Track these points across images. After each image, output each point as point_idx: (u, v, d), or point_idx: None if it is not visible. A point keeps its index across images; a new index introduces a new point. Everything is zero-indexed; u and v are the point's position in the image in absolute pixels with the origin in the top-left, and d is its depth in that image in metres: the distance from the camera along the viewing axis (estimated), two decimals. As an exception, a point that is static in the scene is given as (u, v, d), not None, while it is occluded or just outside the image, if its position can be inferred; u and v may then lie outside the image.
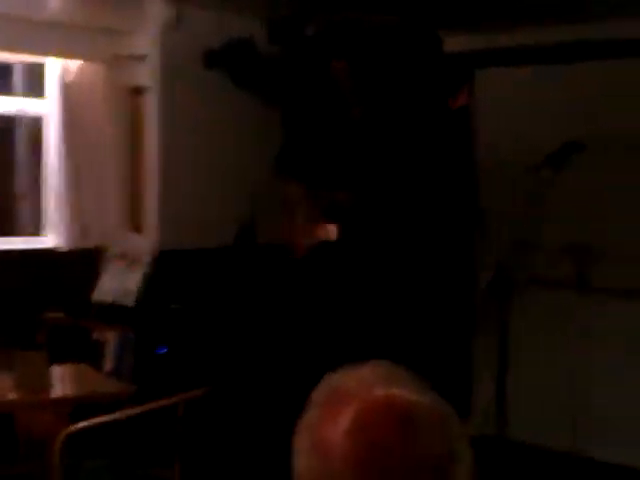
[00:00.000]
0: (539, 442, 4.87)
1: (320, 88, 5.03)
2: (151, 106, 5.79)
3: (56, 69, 6.59)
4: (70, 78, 6.62)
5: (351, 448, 1.06)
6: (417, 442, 1.07)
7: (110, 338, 5.79)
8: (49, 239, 6.65)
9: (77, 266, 6.43)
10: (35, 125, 6.78)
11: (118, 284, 5.53)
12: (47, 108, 6.65)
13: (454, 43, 5.68)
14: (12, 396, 3.91)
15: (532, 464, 4.79)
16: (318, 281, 4.75)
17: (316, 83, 5.41)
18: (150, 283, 5.44)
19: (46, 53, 6.55)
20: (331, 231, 4.59)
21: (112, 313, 5.44)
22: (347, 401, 1.11)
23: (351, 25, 5.48)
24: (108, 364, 5.53)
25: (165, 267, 5.54)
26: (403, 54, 5.62)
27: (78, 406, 4.06)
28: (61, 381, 4.26)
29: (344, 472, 1.06)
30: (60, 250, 6.56)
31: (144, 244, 5.70)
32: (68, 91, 6.61)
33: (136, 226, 6.61)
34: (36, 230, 6.78)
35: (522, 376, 4.74)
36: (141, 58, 6.17)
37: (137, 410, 3.86)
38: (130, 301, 5.44)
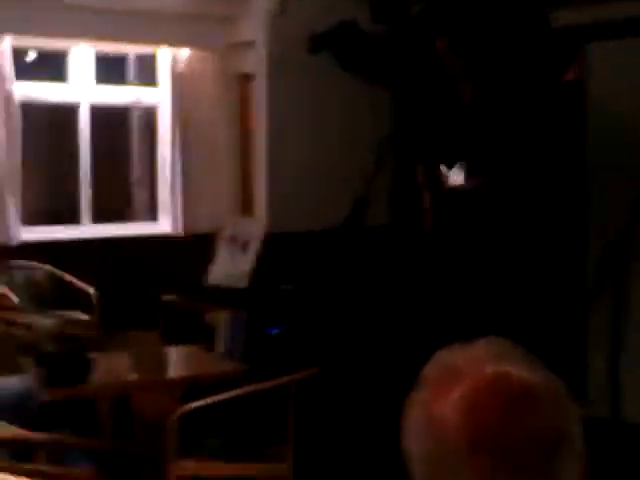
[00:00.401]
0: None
1: (428, 67, 4.98)
2: (259, 92, 5.86)
3: (167, 59, 6.74)
4: (181, 67, 6.76)
5: (463, 426, 1.06)
6: (529, 420, 1.06)
7: (223, 320, 5.90)
8: (163, 225, 6.82)
9: (191, 250, 6.58)
10: (148, 114, 6.94)
11: (230, 267, 5.64)
12: (159, 97, 6.80)
13: (562, 18, 5.54)
14: (129, 377, 4.03)
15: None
16: (439, 259, 4.72)
17: (424, 62, 5.36)
18: (261, 265, 5.52)
19: (157, 43, 6.70)
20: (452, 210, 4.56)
21: (225, 295, 5.55)
22: (458, 379, 1.10)
23: (457, 2, 5.40)
24: (221, 345, 5.65)
25: (275, 249, 5.61)
26: (510, 31, 5.52)
27: (192, 387, 4.15)
28: (175, 362, 4.36)
29: (457, 450, 1.06)
30: (174, 235, 6.72)
31: (255, 227, 5.78)
32: (179, 80, 6.75)
33: (247, 210, 6.71)
34: (151, 216, 6.96)
35: (637, 356, 4.62)
36: (249, 45, 6.25)
37: (250, 389, 3.93)
38: (242, 283, 5.53)
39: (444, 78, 4.71)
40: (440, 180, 4.66)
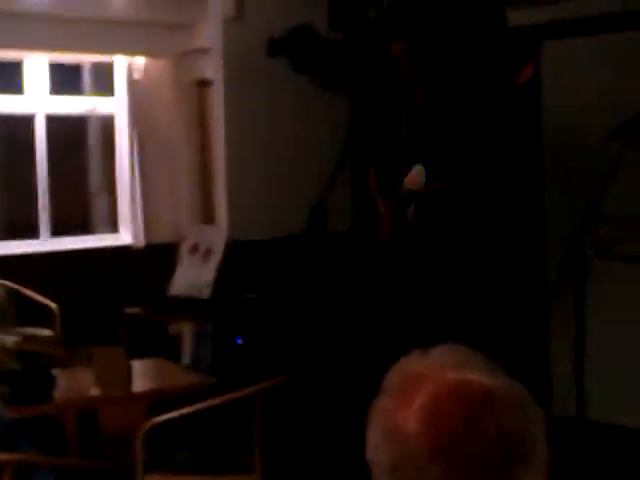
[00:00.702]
0: (620, 422, 4.77)
1: (384, 71, 4.98)
2: (217, 98, 5.82)
3: (123, 67, 6.69)
4: (137, 75, 6.71)
5: (424, 433, 1.06)
6: (489, 425, 1.05)
7: (187, 331, 5.86)
8: (124, 236, 6.77)
9: (152, 261, 6.53)
10: (106, 123, 6.89)
11: (193, 277, 5.59)
12: (116, 106, 6.75)
13: (518, 17, 5.57)
14: (94, 392, 3.98)
15: (612, 445, 4.69)
16: (397, 265, 4.72)
17: (380, 66, 5.36)
18: (224, 274, 5.49)
19: (113, 52, 6.66)
20: (409, 214, 4.54)
21: (188, 306, 5.51)
22: (419, 386, 1.10)
23: (413, 4, 5.41)
24: (186, 356, 5.60)
25: (237, 258, 5.58)
26: (466, 31, 5.54)
27: (158, 400, 4.11)
28: (141, 375, 4.32)
29: (419, 456, 1.06)
30: (135, 246, 6.67)
31: (216, 236, 5.75)
32: (136, 88, 6.71)
33: (208, 219, 6.68)
34: (111, 227, 6.90)
35: (600, 354, 4.65)
36: (205, 51, 6.22)
37: (216, 401, 3.90)
38: (205, 293, 5.49)
39: (398, 82, 4.70)
40: (395, 184, 4.66)
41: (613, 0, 5.08)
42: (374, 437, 1.11)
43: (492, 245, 4.94)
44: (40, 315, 5.81)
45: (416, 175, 4.52)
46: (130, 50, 6.68)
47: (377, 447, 1.11)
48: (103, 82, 6.84)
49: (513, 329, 5.22)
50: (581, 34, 5.35)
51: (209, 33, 5.91)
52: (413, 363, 1.14)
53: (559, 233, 4.93)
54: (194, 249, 5.70)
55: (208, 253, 5.61)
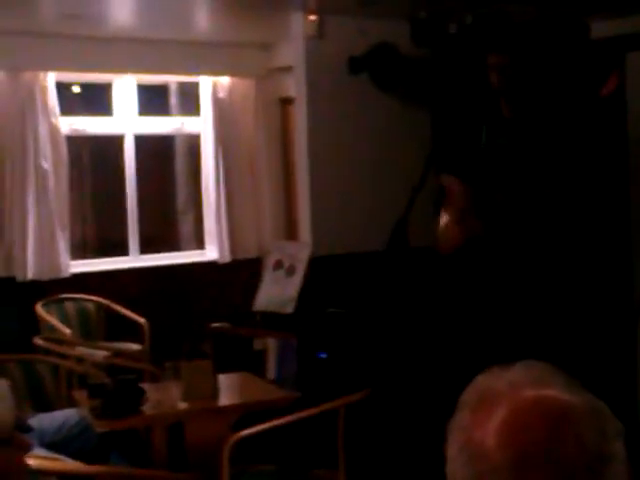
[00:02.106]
0: None
1: (470, 86, 4.97)
2: (300, 116, 5.90)
3: (208, 86, 6.82)
4: (222, 94, 6.83)
5: (503, 450, 1.07)
6: (569, 443, 1.06)
7: (272, 345, 5.92)
8: (210, 252, 6.88)
9: (237, 277, 6.63)
10: (192, 141, 7.03)
11: (277, 292, 5.66)
12: (202, 125, 6.88)
13: (601, 28, 5.51)
14: (181, 406, 4.05)
15: None
16: (467, 280, 4.70)
17: (462, 81, 5.36)
18: (308, 289, 5.54)
19: (199, 72, 6.79)
20: (479, 228, 4.52)
21: (273, 320, 5.57)
22: (497, 403, 1.11)
23: (496, 19, 5.40)
24: (271, 371, 5.66)
25: (321, 273, 5.63)
26: (552, 45, 5.50)
27: (244, 414, 4.16)
28: (227, 390, 4.37)
29: (498, 471, 1.07)
30: (220, 262, 6.78)
31: (300, 251, 5.80)
32: (221, 107, 6.83)
33: (291, 234, 6.75)
34: (198, 243, 7.03)
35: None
36: (288, 70, 6.30)
37: (301, 415, 3.93)
38: (289, 308, 5.54)
39: (481, 93, 4.69)
40: (476, 196, 4.64)
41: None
42: (453, 454, 1.13)
43: (577, 259, 4.87)
44: (129, 330, 5.95)
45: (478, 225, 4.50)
46: (215, 70, 6.81)
47: (455, 462, 1.12)
48: (189, 102, 6.99)
49: (600, 345, 5.14)
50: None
51: (291, 52, 5.99)
52: (492, 380, 1.15)
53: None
54: (278, 265, 5.77)
55: (292, 268, 5.67)
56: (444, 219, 4.72)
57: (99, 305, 6.14)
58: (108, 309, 6.13)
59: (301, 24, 5.71)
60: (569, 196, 4.51)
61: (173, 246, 7.02)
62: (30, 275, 6.05)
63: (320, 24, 5.71)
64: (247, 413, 4.17)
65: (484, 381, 1.16)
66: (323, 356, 5.30)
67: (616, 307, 5.32)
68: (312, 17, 5.65)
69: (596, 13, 5.48)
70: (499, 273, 4.54)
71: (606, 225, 5.45)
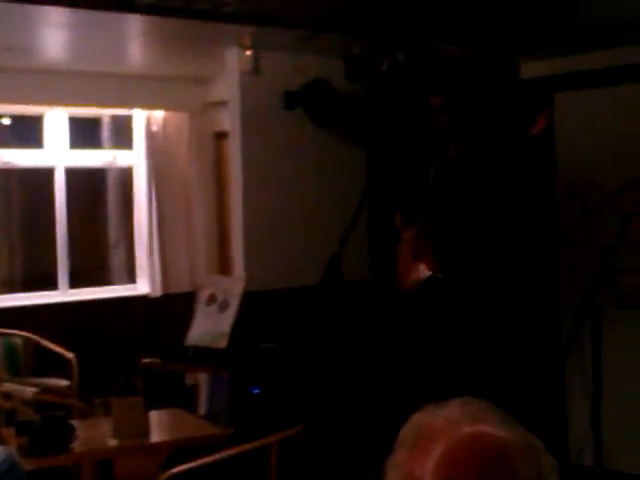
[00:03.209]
0: (637, 471, 4.73)
1: (405, 123, 5.04)
2: (234, 150, 5.89)
3: (142, 120, 6.79)
4: (155, 128, 6.80)
5: (441, 486, 1.07)
6: (504, 476, 1.06)
7: (204, 381, 5.87)
8: (141, 286, 6.81)
9: (169, 311, 6.56)
10: (124, 175, 6.97)
11: (210, 327, 5.61)
12: (134, 158, 6.84)
13: (531, 69, 5.65)
14: (112, 442, 3.98)
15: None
16: (422, 316, 4.74)
17: (399, 118, 5.42)
18: (241, 324, 5.51)
19: (132, 105, 6.76)
20: (437, 267, 4.57)
21: (205, 356, 5.52)
22: (435, 440, 1.11)
23: (429, 57, 5.49)
24: (202, 407, 5.60)
25: (254, 308, 5.60)
26: (485, 85, 5.61)
27: (175, 451, 4.11)
28: (158, 426, 4.32)
29: (434, 510, 1.06)
30: (152, 296, 6.71)
31: (234, 286, 5.77)
32: (154, 140, 6.80)
33: (225, 269, 6.71)
34: (129, 278, 6.95)
35: (617, 403, 4.63)
36: (222, 104, 6.30)
37: (233, 451, 3.90)
38: (222, 343, 5.50)
39: (424, 133, 4.77)
40: (430, 234, 4.70)
41: (623, 53, 5.14)
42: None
43: (510, 297, 4.95)
44: (58, 366, 5.84)
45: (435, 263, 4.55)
46: (148, 104, 6.78)
47: (393, 498, 1.12)
48: (122, 135, 6.94)
49: (530, 380, 5.20)
50: (593, 86, 5.41)
51: (226, 87, 5.99)
52: (428, 417, 1.16)
53: (575, 284, 4.94)
54: (211, 299, 5.73)
55: (225, 303, 5.64)
56: (402, 257, 4.76)
57: (27, 340, 6.01)
58: (36, 344, 6.01)
59: (236, 59, 5.73)
60: (503, 233, 4.59)
61: (104, 280, 6.93)
62: (-45, 309, 5.91)
63: (255, 59, 5.73)
64: (178, 450, 4.12)
65: (421, 418, 1.16)
66: (256, 391, 5.26)
67: (546, 346, 5.40)
68: (248, 52, 5.67)
69: (525, 54, 5.61)
70: (443, 312, 4.58)
71: (537, 265, 5.55)
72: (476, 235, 4.51)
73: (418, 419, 1.16)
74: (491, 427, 1.11)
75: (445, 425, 1.13)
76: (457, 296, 4.52)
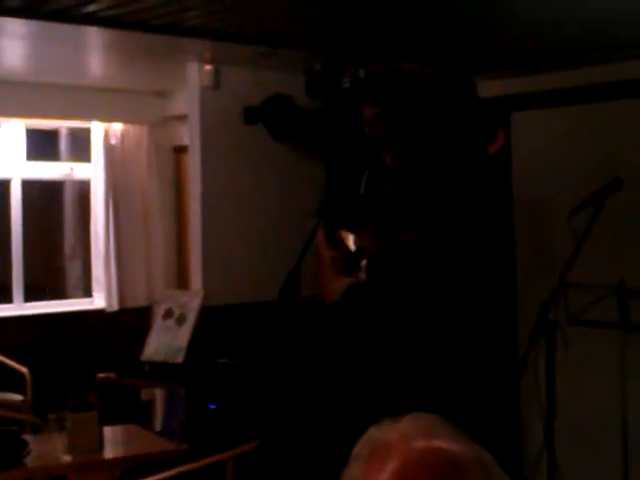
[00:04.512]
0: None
1: (356, 135, 5.06)
2: (193, 164, 5.88)
3: (100, 132, 6.75)
4: (114, 140, 6.77)
5: (394, 502, 1.07)
6: None
7: (159, 396, 5.82)
8: (98, 300, 6.75)
9: (125, 326, 6.51)
10: (82, 188, 6.92)
11: (166, 342, 5.58)
12: (92, 171, 6.79)
13: (488, 88, 5.71)
14: (65, 458, 3.94)
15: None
16: (350, 328, 4.75)
17: (353, 132, 5.45)
18: (197, 339, 5.48)
19: (90, 118, 6.72)
20: (359, 274, 4.59)
21: (161, 371, 5.48)
22: (388, 454, 1.12)
23: (387, 74, 5.53)
24: (158, 422, 5.56)
25: (211, 323, 5.58)
26: (438, 100, 5.67)
27: (130, 467, 4.08)
28: (113, 442, 4.28)
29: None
30: (108, 310, 6.65)
31: (191, 301, 5.75)
32: (112, 153, 6.76)
33: (182, 284, 6.68)
34: (85, 291, 6.89)
35: (571, 419, 4.68)
36: (182, 118, 6.29)
37: (189, 467, 3.87)
38: (179, 358, 5.47)
39: (366, 143, 4.80)
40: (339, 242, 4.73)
41: (581, 73, 5.23)
42: (344, 505, 1.14)
43: (462, 311, 4.97)
44: (11, 380, 5.76)
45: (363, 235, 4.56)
46: (107, 116, 6.75)
47: (346, 515, 1.13)
48: (80, 147, 6.89)
49: (484, 395, 5.24)
50: (550, 105, 5.49)
51: (186, 101, 5.99)
52: (382, 432, 1.16)
53: (530, 299, 5.00)
54: (168, 313, 5.69)
55: (182, 318, 5.61)
56: (322, 267, 4.77)
57: (-21, 354, 5.93)
58: (-11, 358, 5.93)
59: (197, 73, 5.72)
60: (453, 248, 4.61)
61: (59, 293, 6.86)
62: None
63: (216, 74, 5.73)
64: (133, 466, 4.08)
65: (375, 433, 1.17)
66: (212, 407, 5.24)
67: (501, 362, 5.44)
68: (208, 67, 5.67)
69: (484, 72, 5.68)
70: (382, 322, 4.60)
71: (492, 280, 5.60)
72: (415, 242, 4.53)
73: (373, 433, 1.17)
74: (444, 442, 1.12)
75: (399, 440, 1.13)
76: (390, 305, 4.54)
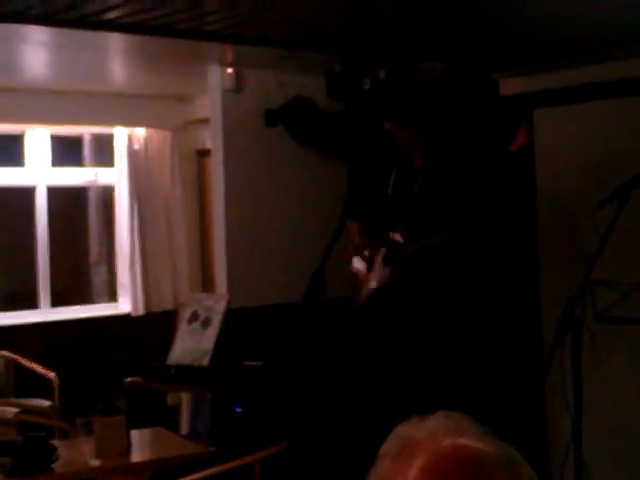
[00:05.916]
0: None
1: (379, 139, 5.07)
2: (216, 167, 5.90)
3: (123, 138, 6.78)
4: (137, 145, 6.81)
5: (422, 499, 1.07)
6: None
7: (186, 400, 5.84)
8: (123, 304, 6.78)
9: (151, 330, 6.54)
10: (106, 193, 6.96)
11: (192, 345, 5.59)
12: (116, 176, 6.83)
13: (509, 86, 5.69)
14: (94, 463, 3.96)
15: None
16: (379, 329, 4.76)
17: (376, 135, 5.46)
18: (223, 342, 5.49)
19: (114, 124, 6.76)
20: (387, 276, 4.60)
21: (187, 374, 5.50)
22: (415, 452, 1.12)
23: (408, 75, 5.53)
24: (185, 426, 5.57)
25: (236, 325, 5.59)
26: (460, 101, 5.66)
27: (157, 470, 4.09)
28: (140, 446, 4.30)
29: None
30: (134, 315, 6.68)
31: (216, 303, 5.76)
32: (135, 158, 6.80)
33: (207, 286, 6.70)
34: (110, 296, 6.92)
35: (598, 418, 4.64)
36: (204, 122, 6.31)
37: (215, 470, 3.88)
38: (204, 361, 5.48)
39: (391, 144, 4.82)
40: (377, 244, 4.74)
41: (602, 69, 5.19)
42: (372, 502, 1.14)
43: (487, 311, 4.97)
44: (39, 386, 5.80)
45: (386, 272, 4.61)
46: (130, 122, 6.78)
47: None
48: (103, 153, 6.93)
49: (510, 394, 5.21)
50: (571, 102, 5.46)
51: (208, 104, 6.01)
52: (411, 430, 1.17)
53: (555, 297, 4.97)
54: (194, 317, 5.71)
55: (208, 321, 5.62)
56: (354, 267, 4.79)
57: (8, 360, 5.98)
58: (17, 364, 5.97)
59: (218, 77, 5.74)
60: (478, 248, 4.61)
61: (85, 299, 6.90)
62: (-64, 329, 5.86)
63: (237, 77, 5.75)
64: (160, 469, 4.10)
65: (404, 430, 1.17)
66: (238, 410, 5.24)
67: (526, 360, 5.42)
68: (229, 70, 5.69)
69: (505, 70, 5.66)
70: (410, 323, 4.60)
71: (515, 277, 5.57)
72: (441, 245, 4.54)
73: (401, 431, 1.18)
74: (471, 440, 1.13)
75: (427, 438, 1.14)
76: (410, 306, 4.55)
